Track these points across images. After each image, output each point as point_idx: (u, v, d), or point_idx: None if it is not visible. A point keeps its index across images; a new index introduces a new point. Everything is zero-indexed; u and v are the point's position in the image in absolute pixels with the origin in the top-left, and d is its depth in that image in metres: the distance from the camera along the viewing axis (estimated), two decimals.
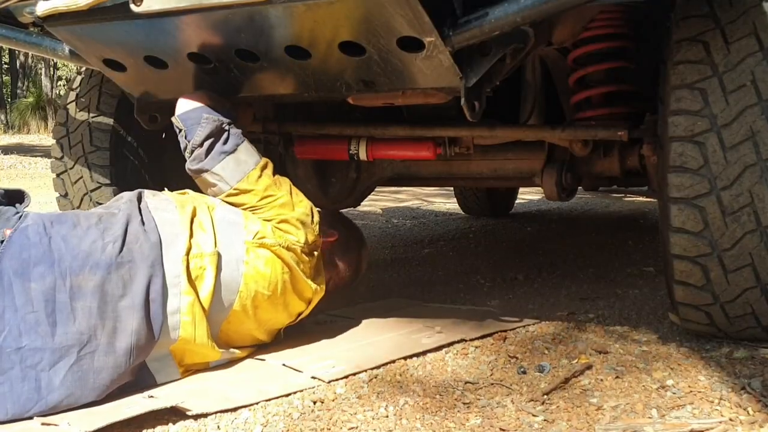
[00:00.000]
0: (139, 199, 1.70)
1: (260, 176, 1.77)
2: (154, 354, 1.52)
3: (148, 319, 1.49)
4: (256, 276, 1.67)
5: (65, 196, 2.45)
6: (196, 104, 1.79)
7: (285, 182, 1.83)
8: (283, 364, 1.64)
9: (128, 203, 1.67)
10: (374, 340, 1.81)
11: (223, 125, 1.77)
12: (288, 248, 1.72)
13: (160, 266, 1.54)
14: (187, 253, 1.59)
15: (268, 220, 1.74)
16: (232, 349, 1.66)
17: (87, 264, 1.47)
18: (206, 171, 1.76)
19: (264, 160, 1.81)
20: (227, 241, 1.67)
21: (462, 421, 1.36)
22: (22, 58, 22.02)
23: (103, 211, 1.65)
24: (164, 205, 1.69)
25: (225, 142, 1.77)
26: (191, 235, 1.63)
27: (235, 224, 1.71)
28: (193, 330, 1.54)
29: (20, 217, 1.51)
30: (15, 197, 1.65)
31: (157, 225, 1.61)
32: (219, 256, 1.63)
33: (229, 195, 1.76)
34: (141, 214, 1.63)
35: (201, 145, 1.76)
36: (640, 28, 2.11)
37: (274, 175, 1.82)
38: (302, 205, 1.80)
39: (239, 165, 1.76)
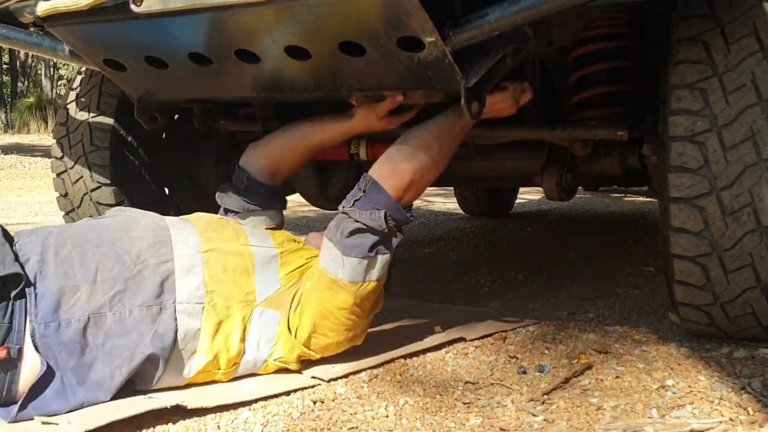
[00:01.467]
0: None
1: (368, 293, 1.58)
2: None
3: None
4: None
5: (65, 195, 2.45)
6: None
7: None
8: None
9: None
10: (374, 340, 1.81)
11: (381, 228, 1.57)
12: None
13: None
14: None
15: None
16: None
17: None
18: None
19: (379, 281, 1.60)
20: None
21: (462, 421, 1.36)
22: (22, 58, 22.02)
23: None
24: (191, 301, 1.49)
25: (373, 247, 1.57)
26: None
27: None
28: None
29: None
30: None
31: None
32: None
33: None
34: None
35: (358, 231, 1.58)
36: (641, 27, 2.10)
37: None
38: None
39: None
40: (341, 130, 1.95)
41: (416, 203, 5.33)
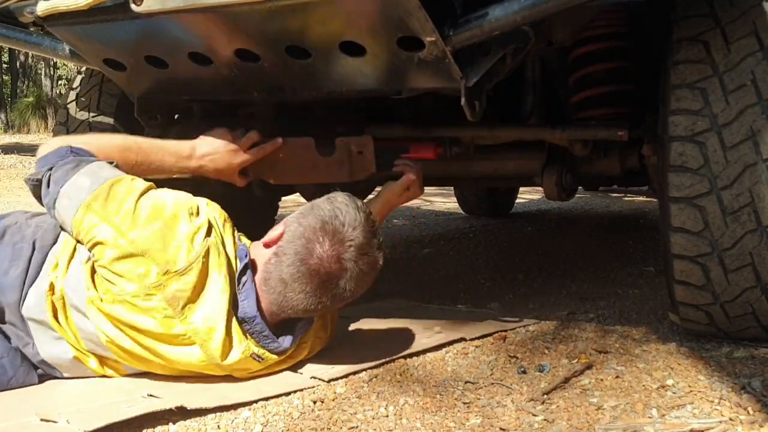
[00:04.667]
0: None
1: (83, 216, 1.51)
2: None
3: None
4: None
5: None
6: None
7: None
8: None
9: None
10: (374, 340, 1.81)
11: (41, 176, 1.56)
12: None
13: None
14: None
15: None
16: None
17: None
18: None
19: (94, 194, 1.50)
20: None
21: (462, 421, 1.36)
22: (22, 57, 22.03)
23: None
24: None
25: (46, 193, 1.57)
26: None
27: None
28: None
29: None
30: None
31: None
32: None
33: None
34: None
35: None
36: (641, 27, 2.10)
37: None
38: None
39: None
40: (378, 210, 1.89)
41: (416, 203, 5.33)
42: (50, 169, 1.55)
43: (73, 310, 1.50)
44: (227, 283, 1.47)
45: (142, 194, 1.51)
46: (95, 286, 1.47)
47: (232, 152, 1.87)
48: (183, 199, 1.54)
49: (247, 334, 1.50)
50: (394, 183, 1.95)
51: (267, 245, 1.56)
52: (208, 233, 1.49)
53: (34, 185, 1.58)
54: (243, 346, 1.48)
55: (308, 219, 1.53)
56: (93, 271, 1.48)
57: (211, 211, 1.56)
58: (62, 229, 1.56)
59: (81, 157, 1.58)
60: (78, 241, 1.52)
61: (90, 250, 1.48)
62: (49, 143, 1.64)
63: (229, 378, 1.54)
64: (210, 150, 1.85)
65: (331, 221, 1.51)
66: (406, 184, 1.94)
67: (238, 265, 1.52)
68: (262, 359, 1.52)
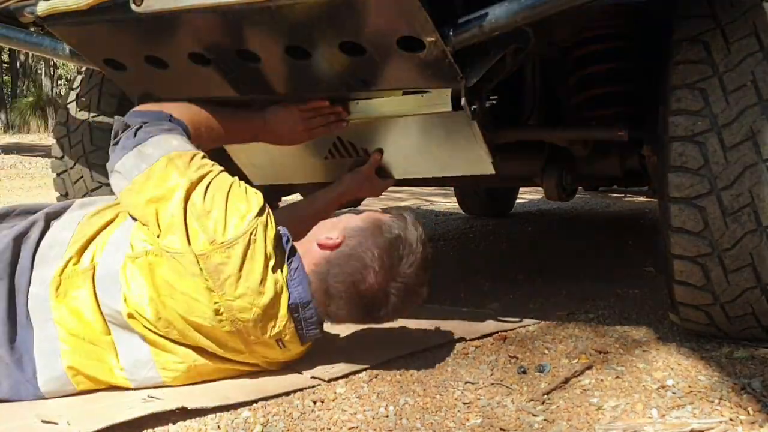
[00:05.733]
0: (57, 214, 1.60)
1: (165, 167, 1.51)
2: None
3: None
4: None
5: (65, 195, 2.45)
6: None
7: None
8: None
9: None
10: (374, 339, 1.81)
11: (134, 125, 1.58)
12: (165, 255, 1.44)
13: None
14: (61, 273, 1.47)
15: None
16: None
17: None
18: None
19: (181, 152, 1.53)
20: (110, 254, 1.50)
21: (462, 421, 1.36)
22: (22, 57, 22.03)
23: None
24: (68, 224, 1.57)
25: (132, 137, 1.57)
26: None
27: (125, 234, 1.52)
28: None
29: None
30: None
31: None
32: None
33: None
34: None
35: (112, 144, 1.61)
36: (641, 27, 2.10)
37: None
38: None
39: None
40: (332, 197, 1.96)
41: (416, 203, 5.33)
42: (144, 123, 1.59)
43: (100, 285, 1.47)
44: (272, 263, 1.47)
45: (220, 172, 1.54)
46: (143, 240, 1.47)
47: (299, 127, 1.86)
48: (237, 178, 1.56)
49: (291, 319, 1.49)
50: (358, 170, 1.97)
51: (321, 246, 1.54)
52: (260, 213, 1.48)
53: (122, 125, 1.60)
54: (278, 328, 1.48)
55: (371, 241, 1.52)
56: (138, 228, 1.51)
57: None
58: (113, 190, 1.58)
59: (176, 125, 1.63)
60: (133, 194, 1.51)
61: (147, 206, 1.48)
62: (146, 105, 1.69)
63: (229, 378, 1.54)
64: (278, 123, 1.85)
65: (393, 251, 1.51)
66: (373, 167, 1.96)
67: (285, 249, 1.52)
68: (284, 346, 1.52)
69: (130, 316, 1.45)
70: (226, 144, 1.94)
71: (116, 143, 1.59)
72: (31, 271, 1.50)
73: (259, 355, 1.53)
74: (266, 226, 1.47)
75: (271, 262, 1.46)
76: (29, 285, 1.49)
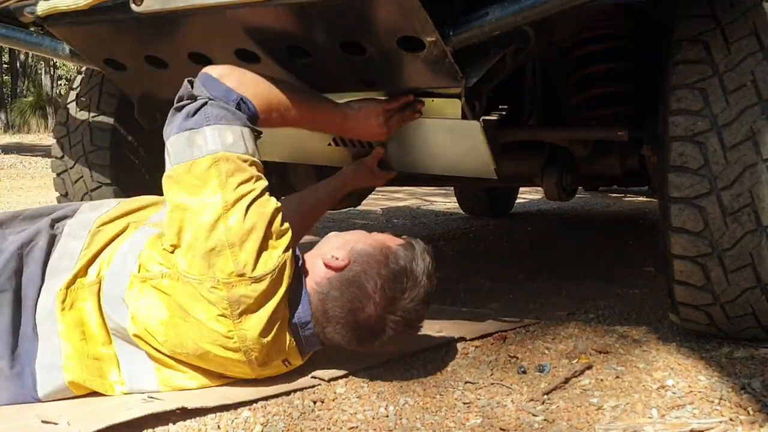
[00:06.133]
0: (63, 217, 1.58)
1: (208, 168, 1.41)
2: None
3: None
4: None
5: (65, 195, 2.45)
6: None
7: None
8: None
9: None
10: None
11: (199, 97, 1.46)
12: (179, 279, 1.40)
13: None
14: (68, 286, 1.45)
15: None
16: None
17: None
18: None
19: (229, 155, 1.42)
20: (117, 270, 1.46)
21: (462, 421, 1.36)
22: (22, 57, 22.04)
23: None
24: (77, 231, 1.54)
25: (189, 116, 1.45)
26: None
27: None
28: None
29: None
30: None
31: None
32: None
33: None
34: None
35: (172, 109, 1.49)
36: (641, 27, 2.11)
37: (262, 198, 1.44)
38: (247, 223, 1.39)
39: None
40: (335, 186, 1.97)
41: (416, 203, 5.34)
42: (211, 99, 1.46)
43: (106, 299, 1.45)
44: (286, 292, 1.44)
45: (263, 190, 1.44)
46: (158, 262, 1.42)
47: (382, 124, 1.77)
48: (278, 204, 1.47)
49: (292, 339, 1.48)
50: (361, 161, 1.98)
51: (326, 265, 1.51)
52: (288, 247, 1.44)
53: (188, 94, 1.47)
54: (284, 355, 1.48)
55: (375, 270, 1.48)
56: (154, 244, 1.45)
57: None
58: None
59: (241, 113, 1.48)
60: (172, 183, 1.45)
61: (187, 195, 1.41)
62: (223, 70, 1.52)
63: (229, 378, 1.54)
64: (362, 119, 1.76)
65: (396, 283, 1.48)
66: (376, 159, 1.96)
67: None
68: (290, 364, 1.52)
69: (137, 336, 1.44)
70: (297, 128, 1.78)
71: (178, 110, 1.47)
72: (42, 282, 1.48)
73: (266, 375, 1.52)
74: (290, 261, 1.44)
75: (285, 292, 1.44)
76: (38, 296, 1.47)
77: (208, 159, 1.41)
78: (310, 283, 1.51)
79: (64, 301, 1.45)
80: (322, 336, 1.51)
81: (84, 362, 1.45)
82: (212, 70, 1.51)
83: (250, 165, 1.44)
